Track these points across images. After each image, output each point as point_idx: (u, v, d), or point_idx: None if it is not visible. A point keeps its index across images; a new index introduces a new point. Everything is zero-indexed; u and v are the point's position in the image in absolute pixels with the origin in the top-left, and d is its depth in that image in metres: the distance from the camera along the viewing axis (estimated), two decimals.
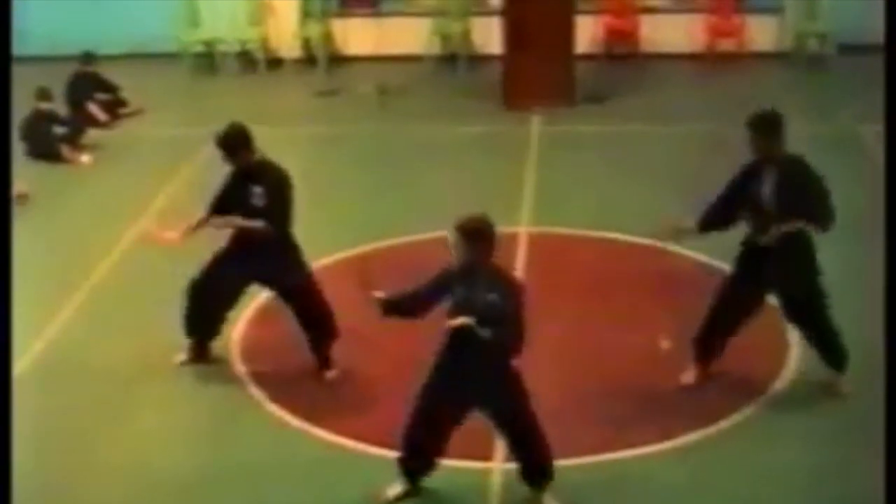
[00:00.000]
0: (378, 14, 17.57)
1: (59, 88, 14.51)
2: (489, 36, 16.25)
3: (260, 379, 8.85)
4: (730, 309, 8.30)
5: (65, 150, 13.68)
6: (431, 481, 7.42)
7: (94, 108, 14.84)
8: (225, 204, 8.55)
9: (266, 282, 8.83)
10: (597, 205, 11.90)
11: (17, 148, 13.18)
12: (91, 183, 13.07)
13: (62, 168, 13.51)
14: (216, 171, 8.78)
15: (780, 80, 15.84)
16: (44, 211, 12.16)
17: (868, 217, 8.48)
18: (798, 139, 8.09)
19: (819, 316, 8.18)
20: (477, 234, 6.72)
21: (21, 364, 8.96)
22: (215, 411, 8.63)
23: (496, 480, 7.58)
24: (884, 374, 7.81)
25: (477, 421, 7.20)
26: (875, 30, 12.11)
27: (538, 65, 14.61)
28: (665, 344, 8.85)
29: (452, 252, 6.81)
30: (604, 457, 7.76)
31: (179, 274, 9.62)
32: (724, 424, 8.11)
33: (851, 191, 8.02)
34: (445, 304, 6.88)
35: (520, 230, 10.97)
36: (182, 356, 9.06)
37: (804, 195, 7.79)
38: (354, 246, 10.86)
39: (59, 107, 14.33)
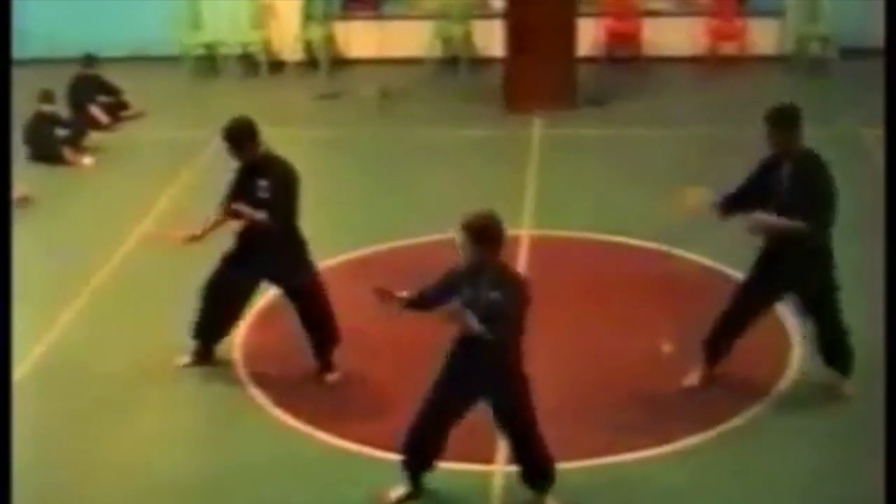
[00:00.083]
0: (380, 17, 17.56)
1: (60, 91, 14.51)
2: (491, 39, 16.26)
3: (261, 381, 8.85)
4: (743, 311, 8.30)
5: (66, 152, 13.68)
6: (433, 483, 7.42)
7: (95, 111, 14.85)
8: (235, 200, 8.54)
9: (274, 279, 8.81)
10: (598, 208, 11.91)
11: (19, 150, 13.19)
12: (93, 185, 13.08)
13: (64, 170, 13.51)
14: (218, 174, 8.80)
15: (781, 83, 15.83)
16: (45, 213, 12.16)
17: (868, 219, 8.49)
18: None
19: (832, 314, 8.19)
20: (483, 232, 6.69)
21: (22, 366, 8.96)
22: (217, 414, 8.63)
23: (497, 483, 7.58)
24: (884, 376, 7.83)
25: (478, 423, 7.20)
26: (877, 33, 12.11)
27: (540, 68, 14.61)
28: (666, 347, 8.87)
29: (459, 251, 6.77)
30: (605, 460, 7.75)
31: (181, 276, 9.64)
32: (725, 427, 8.11)
33: (852, 193, 8.01)
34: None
35: (521, 233, 10.96)
36: (185, 359, 9.05)
37: (812, 192, 7.79)
38: (356, 248, 10.88)
39: (61, 109, 14.33)
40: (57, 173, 13.41)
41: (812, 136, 8.02)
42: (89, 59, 15.14)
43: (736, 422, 8.17)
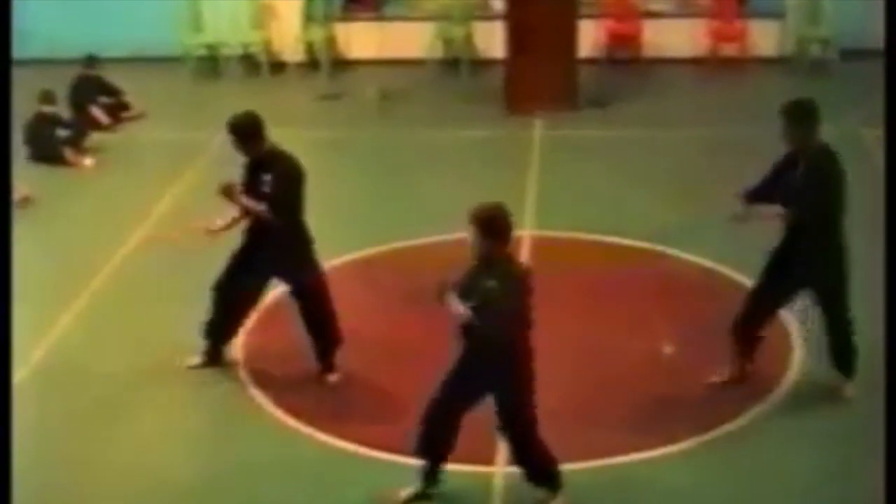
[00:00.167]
0: (381, 18, 17.57)
1: (62, 91, 14.51)
2: (492, 40, 16.26)
3: (262, 382, 8.85)
4: (761, 308, 8.33)
5: (67, 153, 13.69)
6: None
7: (96, 112, 14.85)
8: (244, 195, 8.54)
9: (281, 276, 8.79)
10: (599, 209, 11.91)
11: (20, 151, 13.20)
12: (93, 186, 13.08)
13: (64, 171, 13.51)
14: (219, 175, 8.79)
15: (782, 85, 15.80)
16: (46, 214, 12.16)
17: (869, 220, 8.51)
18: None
19: (843, 312, 8.20)
20: (490, 224, 6.67)
21: (22, 367, 8.96)
22: (217, 414, 8.63)
23: (498, 483, 7.59)
24: (884, 376, 7.84)
25: (479, 424, 7.21)
26: (877, 35, 12.11)
27: (540, 69, 14.60)
28: (667, 348, 8.88)
29: (469, 243, 6.75)
30: (607, 461, 7.75)
31: (181, 277, 9.66)
32: (728, 428, 8.11)
33: (852, 193, 8.02)
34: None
35: (522, 234, 10.95)
36: (195, 359, 9.02)
37: (820, 187, 7.81)
38: (356, 249, 10.89)
39: (62, 110, 14.34)
40: (57, 174, 13.41)
41: None
42: (90, 60, 15.14)
43: (740, 422, 8.17)
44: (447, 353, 7.22)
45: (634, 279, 10.34)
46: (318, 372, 8.83)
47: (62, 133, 13.86)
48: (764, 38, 16.74)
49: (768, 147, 8.23)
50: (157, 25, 16.85)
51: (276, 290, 9.26)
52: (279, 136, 8.61)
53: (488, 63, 16.46)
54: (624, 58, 16.93)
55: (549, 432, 7.11)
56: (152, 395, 8.83)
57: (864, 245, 8.15)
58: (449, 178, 12.93)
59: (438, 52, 17.13)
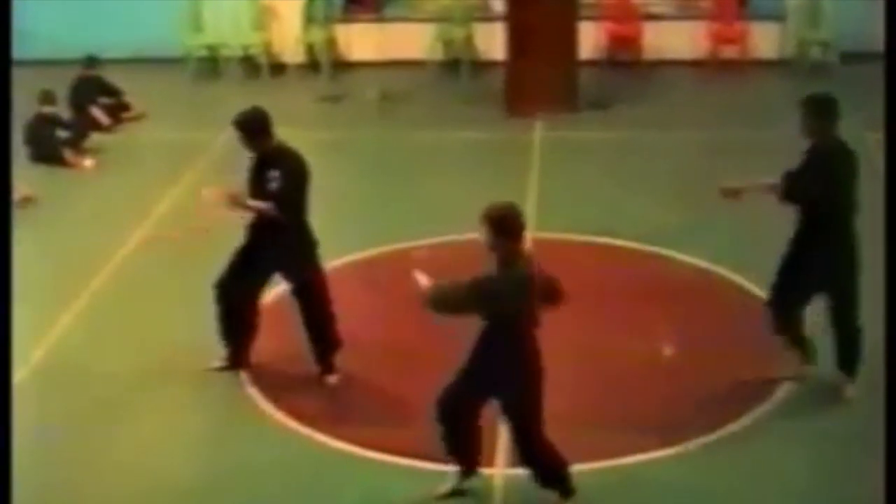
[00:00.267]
0: (381, 19, 17.59)
1: (62, 92, 14.52)
2: (492, 42, 16.28)
3: (261, 383, 8.84)
4: (787, 307, 8.36)
5: (68, 153, 13.69)
6: (432, 486, 7.42)
7: (97, 112, 14.86)
8: (249, 191, 8.53)
9: (283, 272, 8.75)
10: (599, 210, 11.91)
11: (20, 151, 13.20)
12: (94, 187, 13.08)
13: (65, 172, 13.52)
14: (220, 175, 8.80)
15: (782, 87, 15.83)
16: (46, 214, 12.16)
17: (869, 221, 8.51)
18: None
19: (852, 312, 8.22)
20: (501, 223, 6.67)
21: (22, 367, 8.95)
22: (217, 415, 8.63)
23: (498, 484, 7.58)
24: (884, 376, 7.85)
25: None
26: (877, 38, 12.11)
27: (541, 71, 14.61)
28: (667, 350, 8.88)
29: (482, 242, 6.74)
30: (609, 462, 7.75)
31: (181, 278, 9.66)
32: (731, 428, 8.11)
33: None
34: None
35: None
36: (216, 362, 8.96)
37: (819, 178, 7.84)
38: (357, 250, 10.89)
39: (63, 110, 14.35)
40: (58, 175, 13.42)
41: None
42: (91, 61, 15.15)
43: (742, 422, 8.18)
44: (447, 354, 7.22)
45: (635, 281, 10.34)
46: (318, 373, 8.82)
47: (62, 134, 13.86)
48: (764, 40, 16.76)
49: (768, 149, 8.24)
50: (157, 26, 16.86)
51: (276, 291, 9.25)
52: (279, 136, 8.60)
53: (489, 65, 16.47)
54: (624, 60, 16.94)
55: (551, 433, 7.10)
56: (152, 395, 8.83)
57: (864, 246, 8.16)
58: (449, 179, 12.94)
59: (439, 54, 17.13)
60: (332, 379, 8.80)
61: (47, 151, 13.66)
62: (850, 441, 7.97)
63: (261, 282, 8.77)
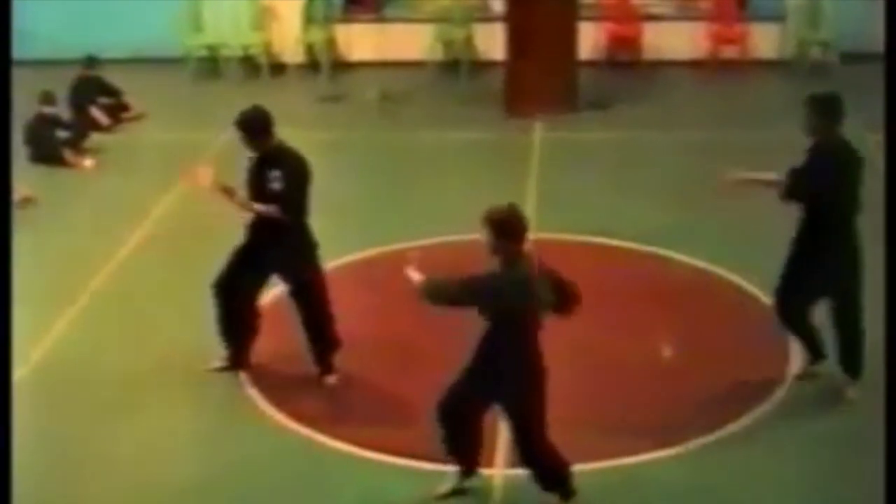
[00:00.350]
0: (381, 20, 17.59)
1: (62, 92, 14.52)
2: (492, 42, 16.28)
3: (260, 383, 8.84)
4: (793, 310, 8.37)
5: (67, 153, 13.69)
6: (431, 486, 7.43)
7: (96, 112, 14.86)
8: (249, 191, 8.53)
9: (283, 275, 8.75)
10: (599, 211, 11.91)
11: (20, 152, 13.19)
12: (93, 187, 13.08)
13: (64, 172, 13.52)
14: (219, 176, 8.78)
15: (781, 87, 15.86)
16: (45, 215, 12.16)
17: (869, 223, 8.51)
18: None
19: (856, 312, 8.24)
20: (502, 225, 6.66)
21: (21, 367, 8.95)
22: (216, 416, 8.62)
23: (498, 484, 7.59)
24: (884, 376, 7.85)
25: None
26: (877, 38, 12.11)
27: (541, 71, 14.61)
28: (667, 351, 8.88)
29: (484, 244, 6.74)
30: (609, 463, 7.75)
31: (180, 278, 9.66)
32: (727, 430, 8.11)
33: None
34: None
35: None
36: (216, 362, 8.96)
37: (815, 175, 7.86)
38: (356, 251, 10.89)
39: (62, 110, 14.35)
40: (57, 175, 13.42)
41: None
42: (91, 61, 15.15)
43: (742, 422, 8.18)
44: (446, 354, 7.22)
45: (634, 281, 10.34)
46: (317, 374, 8.82)
47: (62, 134, 13.86)
48: (764, 40, 16.77)
49: (768, 149, 8.25)
50: (157, 26, 16.87)
51: (275, 291, 9.25)
52: (279, 137, 8.60)
53: (488, 65, 16.48)
54: (624, 60, 16.95)
55: (551, 434, 7.08)
56: (151, 395, 8.83)
57: (864, 247, 8.18)
58: (449, 180, 12.94)
59: (438, 54, 17.14)
60: (332, 379, 8.80)
61: (47, 152, 13.66)
62: (849, 441, 7.98)
63: (259, 282, 8.77)
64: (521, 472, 7.25)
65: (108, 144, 14.34)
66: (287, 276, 8.74)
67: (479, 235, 6.72)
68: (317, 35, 17.26)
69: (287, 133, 8.58)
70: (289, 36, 17.38)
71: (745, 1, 17.09)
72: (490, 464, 7.63)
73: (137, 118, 15.30)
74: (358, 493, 7.59)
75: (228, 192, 8.43)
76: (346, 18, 17.61)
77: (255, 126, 8.32)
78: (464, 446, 7.26)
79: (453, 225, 10.88)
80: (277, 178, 8.27)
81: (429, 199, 12.36)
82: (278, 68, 17.29)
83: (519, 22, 14.87)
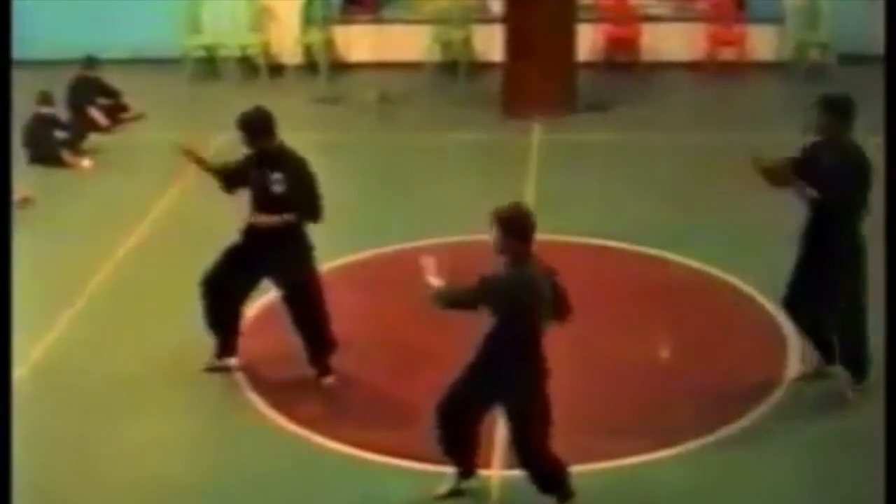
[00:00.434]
0: (379, 21, 17.59)
1: (60, 93, 14.52)
2: (490, 43, 16.27)
3: (259, 385, 8.84)
4: (804, 309, 8.40)
5: (66, 154, 13.69)
6: (429, 487, 7.42)
7: (95, 113, 14.86)
8: (236, 179, 8.53)
9: (276, 277, 8.73)
10: (597, 213, 11.91)
11: (18, 152, 13.18)
12: (92, 187, 13.07)
13: (63, 172, 13.51)
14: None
15: (780, 89, 15.88)
16: (44, 215, 12.15)
17: (870, 225, 8.52)
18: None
19: (860, 311, 8.25)
20: (511, 223, 6.65)
21: (21, 367, 8.95)
22: (214, 417, 8.62)
23: (495, 486, 7.59)
24: (884, 377, 7.85)
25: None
26: (876, 40, 12.13)
27: (539, 72, 14.60)
28: (665, 351, 8.89)
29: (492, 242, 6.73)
30: (608, 464, 7.76)
31: (179, 279, 9.64)
32: (728, 430, 8.12)
33: None
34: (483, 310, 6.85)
35: None
36: (210, 360, 8.97)
37: (838, 179, 7.87)
38: (354, 252, 10.89)
39: (61, 111, 14.34)
40: (56, 175, 13.42)
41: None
42: (89, 61, 15.14)
43: (741, 424, 8.19)
44: (445, 355, 7.22)
45: (632, 282, 10.34)
46: (314, 375, 8.81)
47: (60, 134, 13.85)
48: (762, 42, 16.77)
49: (767, 150, 8.24)
50: (155, 27, 16.86)
51: (274, 293, 9.25)
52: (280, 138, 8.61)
53: (486, 66, 16.46)
54: (622, 62, 16.95)
55: (551, 435, 7.10)
56: (150, 395, 8.83)
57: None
58: (447, 181, 12.95)
59: (437, 56, 17.13)
60: (330, 380, 8.80)
61: (45, 152, 13.65)
62: (849, 441, 7.99)
63: (250, 286, 8.78)
64: (519, 473, 7.25)
65: (107, 145, 14.33)
66: (282, 281, 8.72)
67: (478, 237, 6.74)
68: (315, 36, 17.25)
69: (285, 134, 8.59)
70: (287, 37, 17.37)
71: (743, 2, 17.09)
72: (488, 465, 7.63)
73: (136, 119, 15.29)
74: (356, 494, 7.59)
75: (201, 161, 8.54)
76: (345, 19, 17.60)
77: (256, 127, 8.32)
78: (463, 448, 7.26)
79: (452, 226, 10.89)
80: (279, 180, 8.27)
81: (427, 200, 12.36)
82: (277, 69, 17.28)
83: (517, 23, 14.86)
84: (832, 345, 8.49)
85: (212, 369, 8.96)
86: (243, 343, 9.20)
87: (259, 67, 17.10)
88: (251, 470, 7.89)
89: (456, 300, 6.84)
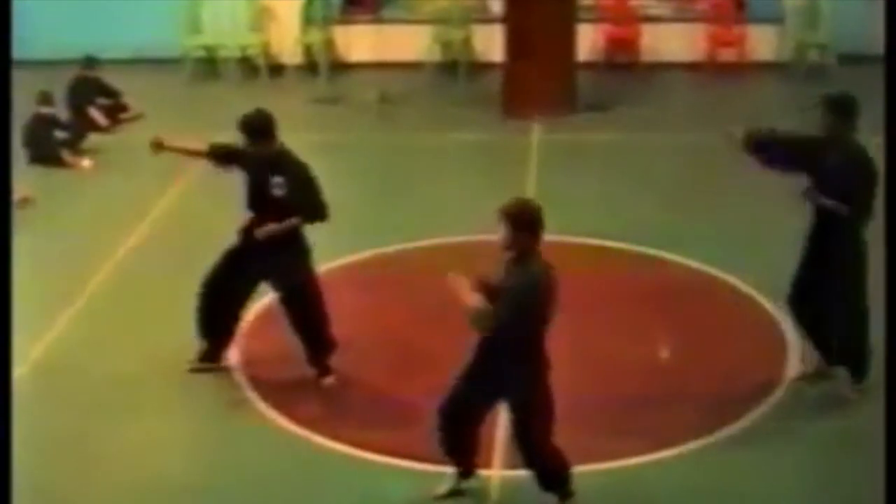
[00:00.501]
0: (379, 21, 17.59)
1: (60, 93, 14.52)
2: (490, 43, 16.27)
3: (259, 385, 8.84)
4: (808, 307, 8.41)
5: (65, 154, 13.69)
6: (429, 487, 7.43)
7: (95, 113, 14.85)
8: (229, 157, 8.57)
9: (274, 280, 8.73)
10: (597, 213, 11.91)
11: (18, 152, 13.18)
12: (91, 187, 13.07)
13: (63, 172, 13.51)
14: (217, 176, 8.79)
15: (780, 89, 15.88)
16: (44, 215, 12.15)
17: (869, 226, 8.54)
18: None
19: (862, 310, 8.27)
20: (519, 218, 6.62)
21: (21, 367, 8.95)
22: (214, 417, 8.62)
23: (495, 486, 7.59)
24: (884, 376, 7.85)
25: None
26: (875, 40, 12.13)
27: (539, 73, 14.60)
28: (665, 352, 8.89)
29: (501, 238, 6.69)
30: (608, 464, 7.76)
31: (179, 278, 9.65)
32: (728, 430, 8.12)
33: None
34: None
35: None
36: (194, 361, 8.97)
37: (845, 181, 7.89)
38: (353, 252, 10.89)
39: (61, 111, 14.34)
40: (56, 175, 13.41)
41: None
42: (89, 61, 15.14)
43: (741, 424, 8.19)
44: (444, 355, 7.22)
45: (632, 283, 10.35)
46: (315, 375, 8.81)
47: (60, 134, 13.85)
48: (762, 42, 16.77)
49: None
50: (155, 27, 16.86)
51: (273, 294, 9.25)
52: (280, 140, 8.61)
53: (486, 66, 16.46)
54: (622, 62, 16.95)
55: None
56: (149, 395, 8.83)
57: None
58: (447, 181, 12.95)
59: (436, 56, 17.13)
60: (330, 381, 8.80)
61: (45, 152, 13.65)
62: (849, 441, 7.99)
63: (249, 289, 8.78)
64: (519, 473, 7.26)
65: (107, 145, 14.33)
66: (279, 283, 8.72)
67: (479, 237, 6.72)
68: (315, 36, 17.25)
69: (285, 134, 8.58)
70: (287, 37, 17.37)
71: (743, 3, 17.09)
72: (488, 465, 7.63)
73: (135, 119, 15.28)
74: (356, 494, 7.59)
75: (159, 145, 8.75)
76: (345, 19, 17.60)
77: (257, 128, 8.31)
78: (464, 449, 7.26)
79: (452, 226, 10.89)
80: (280, 184, 8.27)
81: (427, 200, 12.36)
82: (276, 69, 17.28)
83: (517, 23, 14.87)
84: (832, 347, 8.50)
85: (197, 370, 8.95)
86: (243, 343, 9.22)
87: (259, 68, 17.11)
88: (251, 470, 7.89)
89: (493, 323, 6.64)
